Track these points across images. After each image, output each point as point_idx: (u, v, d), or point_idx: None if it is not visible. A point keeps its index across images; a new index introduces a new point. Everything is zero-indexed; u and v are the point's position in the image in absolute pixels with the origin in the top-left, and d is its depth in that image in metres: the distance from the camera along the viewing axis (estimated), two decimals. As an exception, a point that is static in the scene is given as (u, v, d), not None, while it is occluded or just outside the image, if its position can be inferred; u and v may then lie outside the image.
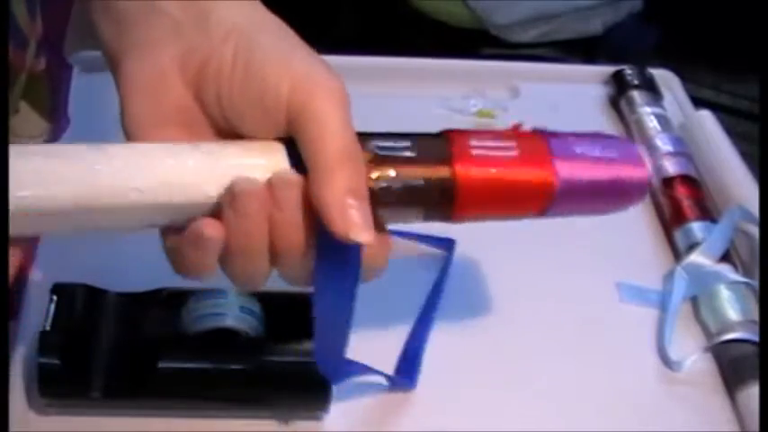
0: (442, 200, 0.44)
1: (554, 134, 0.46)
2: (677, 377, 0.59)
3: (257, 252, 0.42)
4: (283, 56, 0.42)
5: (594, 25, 1.51)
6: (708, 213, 0.68)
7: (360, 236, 0.41)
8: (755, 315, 0.61)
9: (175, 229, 0.42)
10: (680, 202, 0.69)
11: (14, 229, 0.39)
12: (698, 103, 0.82)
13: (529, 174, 0.44)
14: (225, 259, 0.43)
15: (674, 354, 0.60)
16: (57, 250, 0.57)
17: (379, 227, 0.43)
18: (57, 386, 0.52)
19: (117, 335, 0.54)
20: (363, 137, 0.43)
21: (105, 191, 0.40)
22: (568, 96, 0.81)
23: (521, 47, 1.49)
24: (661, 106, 0.78)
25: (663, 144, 0.73)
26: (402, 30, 1.54)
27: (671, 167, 0.71)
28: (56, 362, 0.52)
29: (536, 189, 0.45)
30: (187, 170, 0.41)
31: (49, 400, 0.53)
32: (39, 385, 0.52)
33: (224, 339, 0.53)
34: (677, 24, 1.67)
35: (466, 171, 0.43)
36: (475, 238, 0.64)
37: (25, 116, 0.55)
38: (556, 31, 1.50)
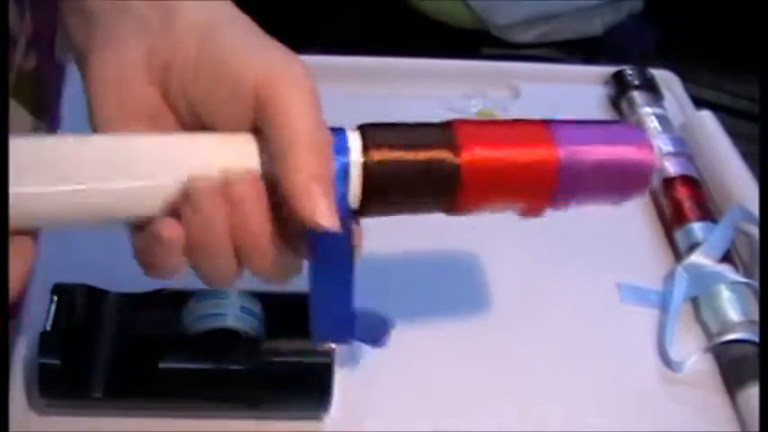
0: (446, 185, 0.44)
1: (557, 120, 0.46)
2: (678, 377, 0.59)
3: (220, 250, 0.42)
4: (248, 46, 0.42)
5: (595, 25, 1.52)
6: (708, 214, 0.68)
7: (324, 221, 0.40)
8: (756, 315, 0.61)
9: (141, 229, 0.42)
10: (680, 203, 0.69)
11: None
12: (698, 103, 0.82)
13: (531, 153, 0.44)
14: (190, 259, 0.42)
15: (674, 354, 0.60)
16: (57, 250, 0.57)
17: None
18: (57, 386, 0.52)
19: (117, 335, 0.54)
20: (366, 126, 0.44)
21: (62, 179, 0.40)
22: (569, 97, 0.81)
23: (521, 47, 1.50)
24: (661, 107, 0.78)
25: (663, 144, 0.73)
26: (402, 30, 1.55)
27: (671, 168, 0.71)
28: (56, 362, 0.52)
29: (539, 168, 0.44)
30: (146, 159, 0.41)
31: (49, 401, 0.53)
32: (39, 385, 0.52)
33: (224, 339, 0.53)
34: (677, 24, 1.67)
35: (470, 154, 0.43)
36: (474, 237, 0.64)
37: (14, 114, 0.55)
38: (556, 32, 1.51)
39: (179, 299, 0.54)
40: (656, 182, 0.72)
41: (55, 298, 0.54)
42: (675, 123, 0.77)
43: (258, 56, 0.42)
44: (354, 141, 0.43)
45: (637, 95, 0.78)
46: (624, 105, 0.79)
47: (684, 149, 0.73)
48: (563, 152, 0.44)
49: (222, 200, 0.41)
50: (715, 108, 0.79)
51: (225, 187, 0.41)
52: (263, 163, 0.42)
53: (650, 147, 0.46)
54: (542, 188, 0.45)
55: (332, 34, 1.53)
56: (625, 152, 0.45)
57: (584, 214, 0.66)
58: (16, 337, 0.56)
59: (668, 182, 0.70)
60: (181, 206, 0.41)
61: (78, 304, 0.54)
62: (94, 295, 0.55)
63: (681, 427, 0.57)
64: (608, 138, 0.46)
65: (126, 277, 0.55)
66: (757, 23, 1.15)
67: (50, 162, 0.40)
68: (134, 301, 0.55)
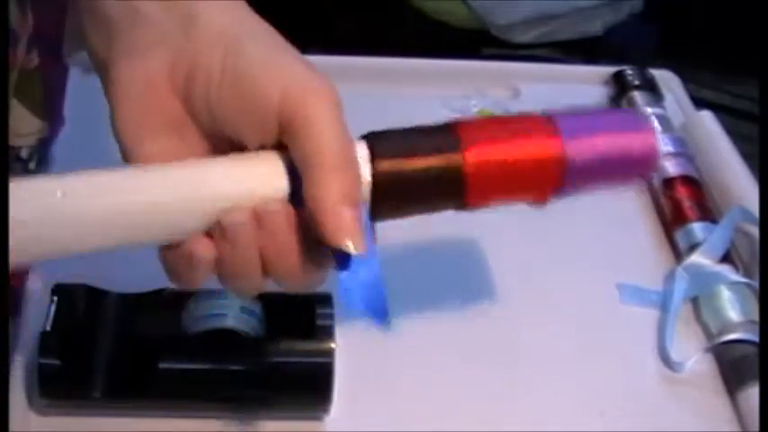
0: (454, 186, 0.44)
1: (559, 112, 0.47)
2: (678, 378, 0.59)
3: (250, 271, 0.42)
4: (273, 61, 0.42)
5: (595, 26, 1.52)
6: (708, 214, 0.68)
7: (351, 244, 0.40)
8: (756, 315, 0.61)
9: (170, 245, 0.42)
10: (680, 203, 0.69)
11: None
12: (698, 103, 0.82)
13: (535, 148, 0.45)
14: (218, 275, 0.43)
15: (674, 354, 0.60)
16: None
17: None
18: (57, 386, 0.52)
19: (117, 335, 0.54)
20: (371, 135, 0.44)
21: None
22: (569, 97, 0.80)
23: (521, 47, 1.49)
24: (662, 107, 0.78)
25: (663, 145, 0.73)
26: (402, 30, 1.55)
27: (672, 168, 0.71)
28: (56, 362, 0.52)
29: (544, 161, 0.45)
30: (175, 197, 0.41)
31: (49, 401, 0.53)
32: (39, 386, 0.52)
33: (224, 340, 0.53)
34: (677, 24, 1.67)
35: (474, 155, 0.44)
36: (475, 237, 0.64)
37: (16, 113, 0.55)
38: (556, 32, 1.51)
39: (179, 299, 0.54)
40: (656, 181, 0.72)
41: (55, 298, 0.54)
42: (675, 123, 0.77)
43: (282, 71, 0.42)
44: (362, 151, 0.43)
45: (637, 95, 0.78)
46: (624, 105, 0.79)
47: (684, 149, 0.73)
48: (567, 144, 0.45)
49: (254, 229, 0.41)
50: (715, 108, 0.79)
51: (257, 216, 0.41)
52: (291, 181, 0.42)
53: (652, 132, 0.46)
54: (549, 180, 0.45)
55: (332, 34, 1.53)
56: (628, 140, 0.46)
57: (584, 215, 0.67)
58: (16, 337, 0.56)
59: (668, 182, 0.70)
60: (215, 235, 0.41)
61: (78, 304, 0.54)
62: (94, 295, 0.55)
63: (681, 427, 0.57)
64: (610, 126, 0.46)
65: (126, 277, 0.55)
66: (757, 23, 1.15)
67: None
68: (134, 302, 0.55)
